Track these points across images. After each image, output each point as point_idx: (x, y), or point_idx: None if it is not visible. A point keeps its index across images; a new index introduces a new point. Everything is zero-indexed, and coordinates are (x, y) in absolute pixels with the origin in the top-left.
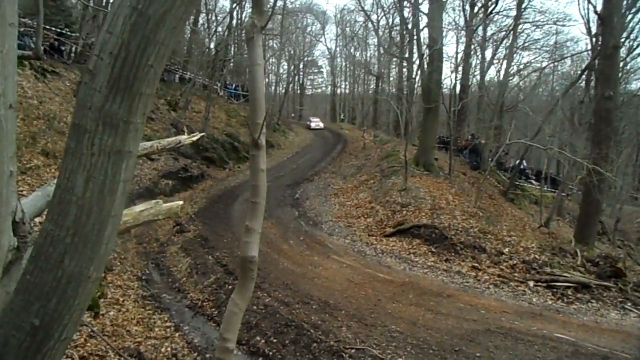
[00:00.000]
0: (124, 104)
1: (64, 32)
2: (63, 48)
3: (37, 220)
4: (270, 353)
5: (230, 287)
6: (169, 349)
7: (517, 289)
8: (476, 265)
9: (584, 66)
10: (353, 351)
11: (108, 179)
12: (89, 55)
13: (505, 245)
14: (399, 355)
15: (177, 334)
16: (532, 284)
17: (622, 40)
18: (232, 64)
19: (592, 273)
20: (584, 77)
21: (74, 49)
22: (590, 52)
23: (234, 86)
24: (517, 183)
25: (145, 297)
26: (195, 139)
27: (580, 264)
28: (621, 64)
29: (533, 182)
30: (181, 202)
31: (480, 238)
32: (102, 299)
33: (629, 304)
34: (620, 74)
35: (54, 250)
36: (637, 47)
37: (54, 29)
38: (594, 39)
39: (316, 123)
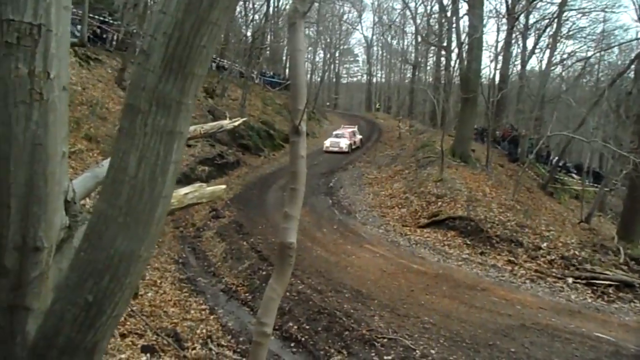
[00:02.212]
0: (176, 85)
1: (106, 20)
2: (105, 36)
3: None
4: (302, 339)
5: (264, 272)
6: (204, 331)
7: (555, 285)
8: (512, 259)
9: (633, 55)
10: (385, 340)
11: (160, 159)
12: (129, 43)
13: (543, 239)
14: (431, 347)
15: (211, 317)
16: (570, 280)
17: None
18: (268, 52)
19: (635, 271)
20: (632, 67)
21: (115, 37)
22: None
23: (270, 74)
24: (557, 176)
25: (181, 280)
26: (236, 124)
27: (623, 262)
28: None
29: (574, 175)
30: (224, 186)
31: (517, 231)
32: (141, 280)
33: None
34: None
35: (106, 228)
36: None
37: (97, 17)
38: None
39: (336, 141)
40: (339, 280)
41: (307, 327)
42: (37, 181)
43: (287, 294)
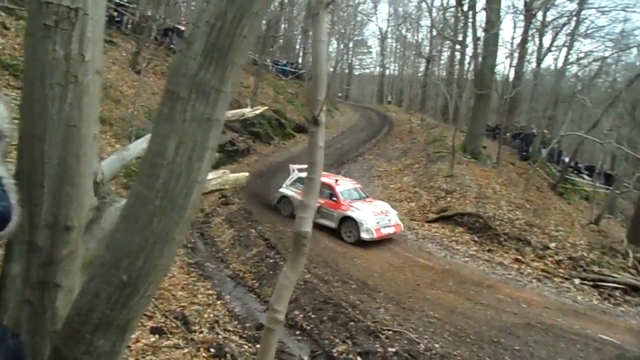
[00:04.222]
0: (216, 73)
1: (122, 2)
2: (120, 18)
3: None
4: (308, 327)
5: (271, 260)
6: (211, 315)
7: (561, 285)
8: (519, 257)
9: None
10: (390, 332)
11: (197, 145)
12: (145, 27)
13: (552, 239)
14: (435, 341)
15: (218, 302)
16: (577, 281)
17: None
18: (282, 40)
19: None
20: None
21: (131, 20)
22: None
23: (283, 62)
24: (568, 177)
25: (189, 264)
26: (258, 112)
27: (632, 265)
28: None
29: (585, 176)
30: (247, 174)
31: (526, 230)
32: None
33: None
34: None
35: (143, 210)
36: None
37: None
38: None
39: (384, 219)
40: (345, 271)
41: (313, 316)
42: (70, 162)
43: None
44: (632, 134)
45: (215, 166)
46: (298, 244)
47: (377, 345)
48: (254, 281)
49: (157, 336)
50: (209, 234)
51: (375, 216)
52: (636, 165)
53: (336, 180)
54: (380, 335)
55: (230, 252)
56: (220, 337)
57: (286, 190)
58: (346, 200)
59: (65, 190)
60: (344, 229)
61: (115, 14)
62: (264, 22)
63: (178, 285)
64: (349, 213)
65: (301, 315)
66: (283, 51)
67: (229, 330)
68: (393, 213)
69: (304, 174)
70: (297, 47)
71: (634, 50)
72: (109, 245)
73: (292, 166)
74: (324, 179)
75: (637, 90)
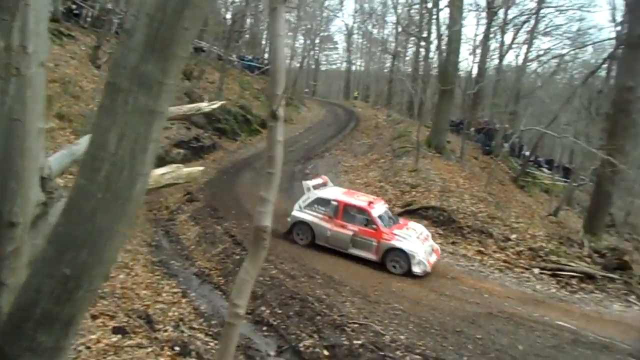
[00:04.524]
0: (158, 65)
1: None
2: (79, 12)
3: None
4: (274, 323)
5: (237, 257)
6: (176, 314)
7: (522, 275)
8: (482, 249)
9: (605, 55)
10: (356, 325)
11: (140, 137)
12: (105, 20)
13: (513, 231)
14: (400, 333)
15: (184, 300)
16: (537, 271)
17: None
18: (247, 35)
19: (597, 264)
20: (604, 66)
21: (90, 14)
22: (614, 41)
23: (248, 58)
24: (528, 170)
25: (154, 263)
26: (214, 106)
27: (587, 254)
28: None
29: (544, 170)
30: (201, 168)
31: (488, 223)
32: None
33: (633, 297)
34: None
35: (86, 203)
36: None
37: None
38: (619, 27)
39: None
40: (312, 266)
41: (280, 311)
42: (13, 157)
43: (260, 278)
44: (588, 128)
45: (180, 162)
46: (258, 239)
47: (344, 339)
48: (220, 278)
49: (119, 336)
50: (174, 231)
51: (422, 245)
52: (592, 159)
53: (369, 203)
54: (347, 329)
55: (195, 250)
56: (185, 335)
57: (302, 214)
58: (386, 226)
59: (9, 185)
60: (390, 260)
61: (73, 6)
62: (228, 16)
63: (142, 284)
64: (397, 244)
65: (268, 311)
66: (249, 46)
67: (194, 328)
68: (429, 236)
69: (324, 193)
70: (264, 42)
71: (590, 49)
72: (51, 239)
73: (307, 183)
74: (353, 201)
75: (592, 87)
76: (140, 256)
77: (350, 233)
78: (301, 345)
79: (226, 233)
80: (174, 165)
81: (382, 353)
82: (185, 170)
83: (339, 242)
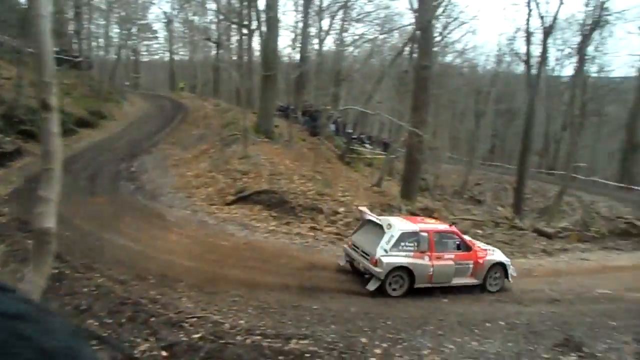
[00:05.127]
0: None
1: None
2: None
3: None
4: (105, 334)
5: (56, 271)
6: None
7: None
8: (314, 225)
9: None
10: (194, 319)
11: None
12: None
13: (340, 205)
14: (240, 318)
15: None
16: None
17: (437, 15)
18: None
19: None
20: (408, 48)
21: None
22: (415, 26)
23: (55, 49)
24: (353, 147)
25: None
26: None
27: None
28: (439, 38)
29: (367, 145)
30: None
31: (318, 200)
32: None
33: None
34: (437, 47)
35: None
36: (451, 22)
37: None
38: (416, 14)
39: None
40: (143, 267)
41: (110, 321)
42: None
43: (84, 290)
44: (399, 105)
45: None
46: (40, 243)
47: (182, 335)
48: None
49: None
50: None
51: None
52: (403, 132)
53: (451, 224)
54: (184, 324)
55: (1, 271)
56: None
57: (395, 258)
58: (474, 243)
59: None
60: (490, 277)
61: None
62: (22, 1)
63: None
64: (495, 257)
65: (96, 324)
66: (53, 36)
67: None
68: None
69: (406, 227)
70: (72, 31)
71: (396, 33)
72: None
73: (371, 217)
74: (438, 227)
75: (400, 67)
76: None
77: (452, 263)
78: (136, 351)
79: None
80: None
81: (223, 341)
82: None
83: (442, 278)
